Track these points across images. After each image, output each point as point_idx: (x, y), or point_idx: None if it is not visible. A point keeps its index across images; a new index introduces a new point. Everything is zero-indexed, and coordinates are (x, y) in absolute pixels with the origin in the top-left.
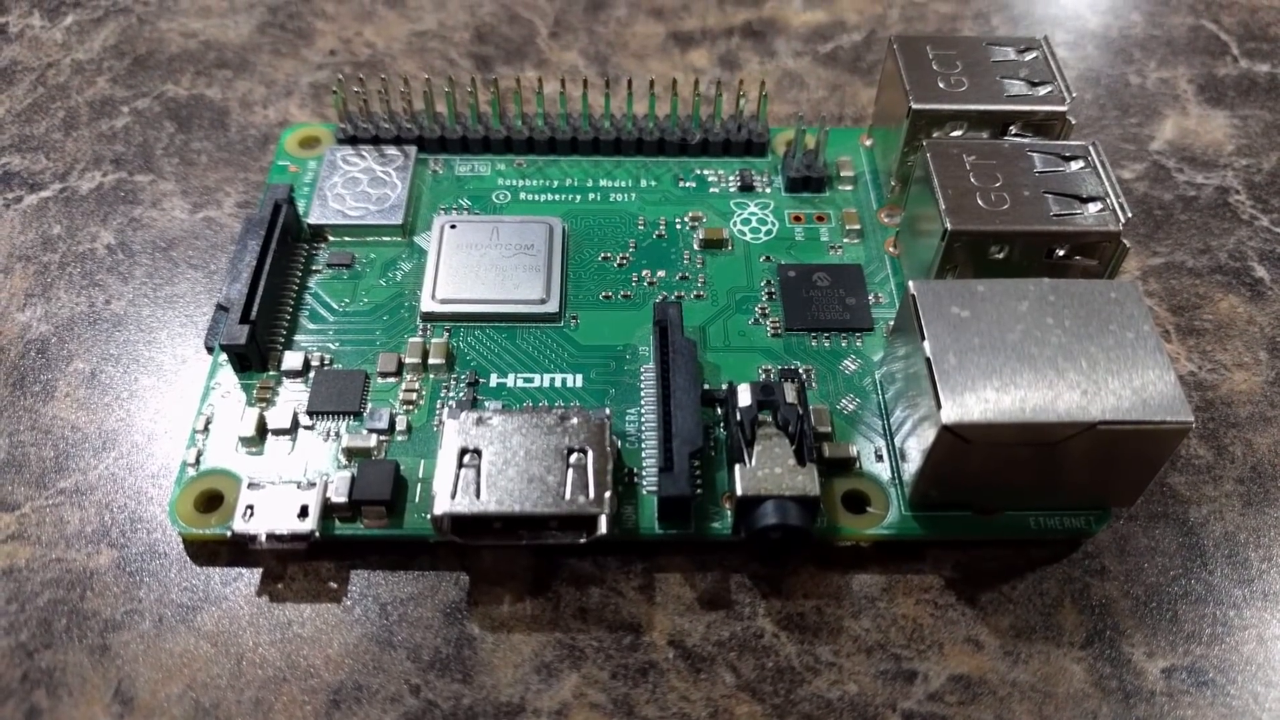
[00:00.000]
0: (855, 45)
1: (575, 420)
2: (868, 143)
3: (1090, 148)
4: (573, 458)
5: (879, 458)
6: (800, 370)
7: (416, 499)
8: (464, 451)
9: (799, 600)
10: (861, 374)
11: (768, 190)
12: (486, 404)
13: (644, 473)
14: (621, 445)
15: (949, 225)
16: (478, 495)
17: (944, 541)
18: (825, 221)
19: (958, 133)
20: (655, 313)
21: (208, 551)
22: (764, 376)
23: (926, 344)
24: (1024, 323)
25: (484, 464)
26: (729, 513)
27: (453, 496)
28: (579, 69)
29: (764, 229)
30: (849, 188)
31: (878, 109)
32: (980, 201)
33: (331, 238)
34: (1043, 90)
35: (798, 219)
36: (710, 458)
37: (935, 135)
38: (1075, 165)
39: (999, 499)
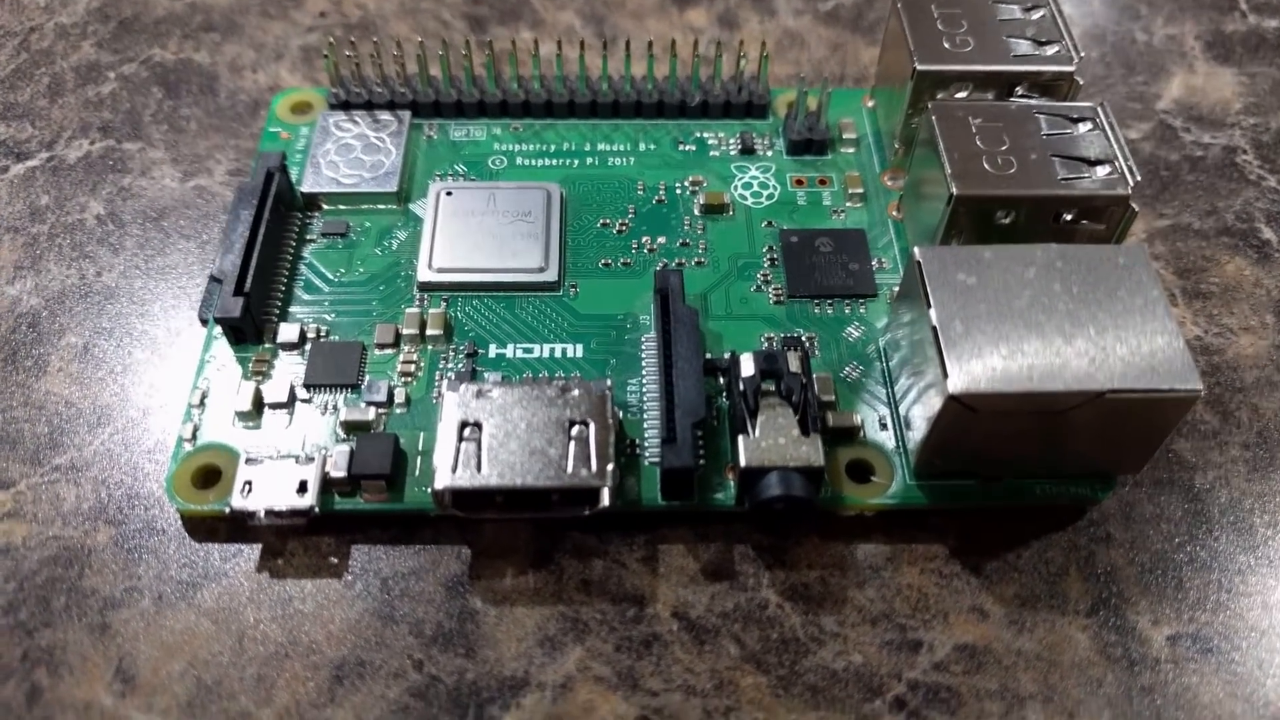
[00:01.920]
0: (857, 3)
1: (576, 392)
2: (870, 104)
3: (1098, 109)
4: (574, 430)
5: (883, 426)
6: (803, 338)
7: (416, 472)
8: (464, 425)
9: (803, 571)
10: (865, 341)
11: (769, 153)
12: (486, 375)
13: (646, 444)
14: (623, 416)
15: (955, 190)
16: (479, 469)
17: (949, 510)
18: (828, 185)
19: (963, 94)
20: (656, 281)
21: (206, 527)
22: (767, 345)
23: (932, 311)
24: (1031, 289)
25: (484, 437)
26: (732, 483)
27: (454, 470)
28: (575, 29)
29: (765, 193)
30: (852, 150)
31: (880, 69)
32: (986, 165)
33: (325, 206)
34: (1050, 50)
35: (799, 182)
36: (713, 428)
37: (940, 96)
38: (1083, 127)
39: (1004, 467)
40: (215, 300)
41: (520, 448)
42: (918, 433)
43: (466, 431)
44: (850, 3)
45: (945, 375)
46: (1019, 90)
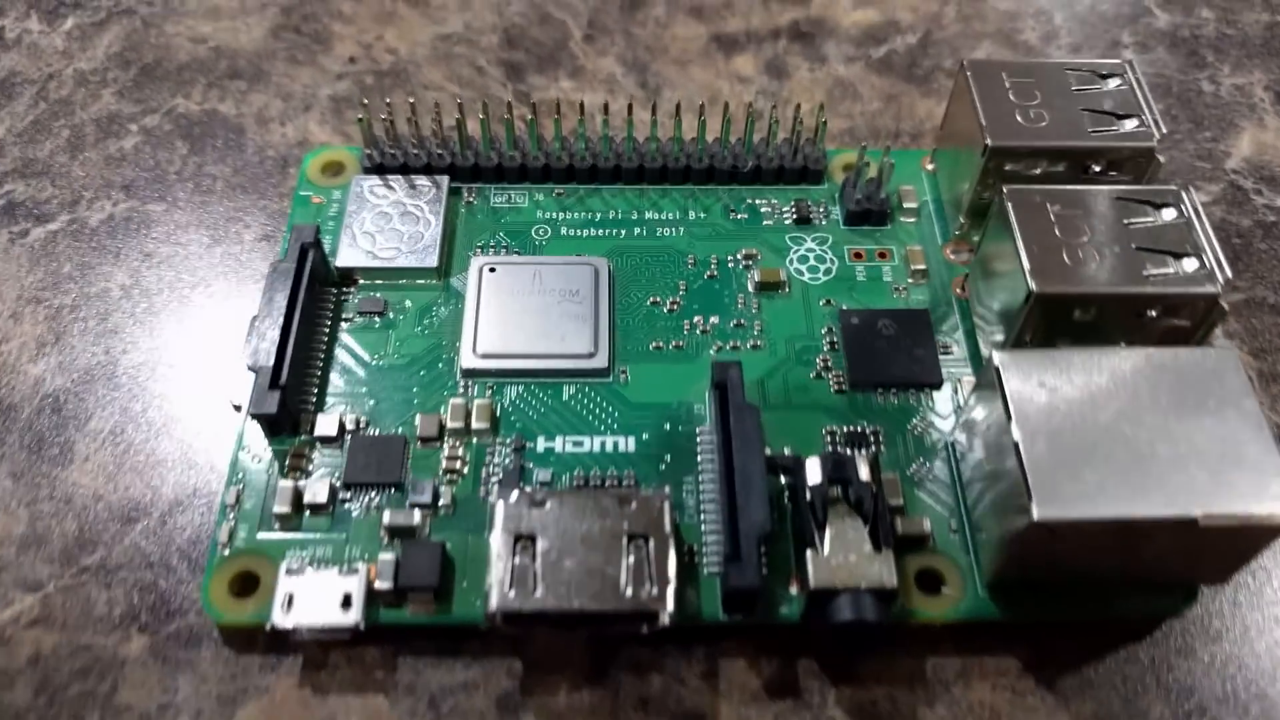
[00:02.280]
0: (910, 49)
1: (634, 505)
2: (930, 166)
3: (1183, 194)
4: (632, 544)
5: (953, 530)
6: (869, 433)
7: (465, 582)
8: (517, 538)
9: (870, 687)
10: (932, 435)
11: (825, 222)
12: (535, 472)
13: (705, 551)
14: (679, 518)
15: (1035, 288)
16: (533, 589)
17: (1022, 622)
18: (888, 259)
19: (1036, 170)
20: (714, 374)
21: (244, 637)
22: (829, 440)
23: (1014, 427)
24: (1116, 399)
25: (539, 553)
26: (795, 594)
27: (507, 590)
28: (616, 77)
29: (822, 267)
30: (912, 220)
31: (944, 132)
32: (1066, 258)
33: (362, 280)
34: (1129, 124)
35: (858, 256)
36: (775, 531)
37: (1009, 168)
38: (1167, 214)
39: (1082, 578)
40: (250, 392)
41: (576, 566)
42: (992, 546)
43: (519, 546)
44: (903, 49)
45: (1030, 499)
46: (1094, 169)
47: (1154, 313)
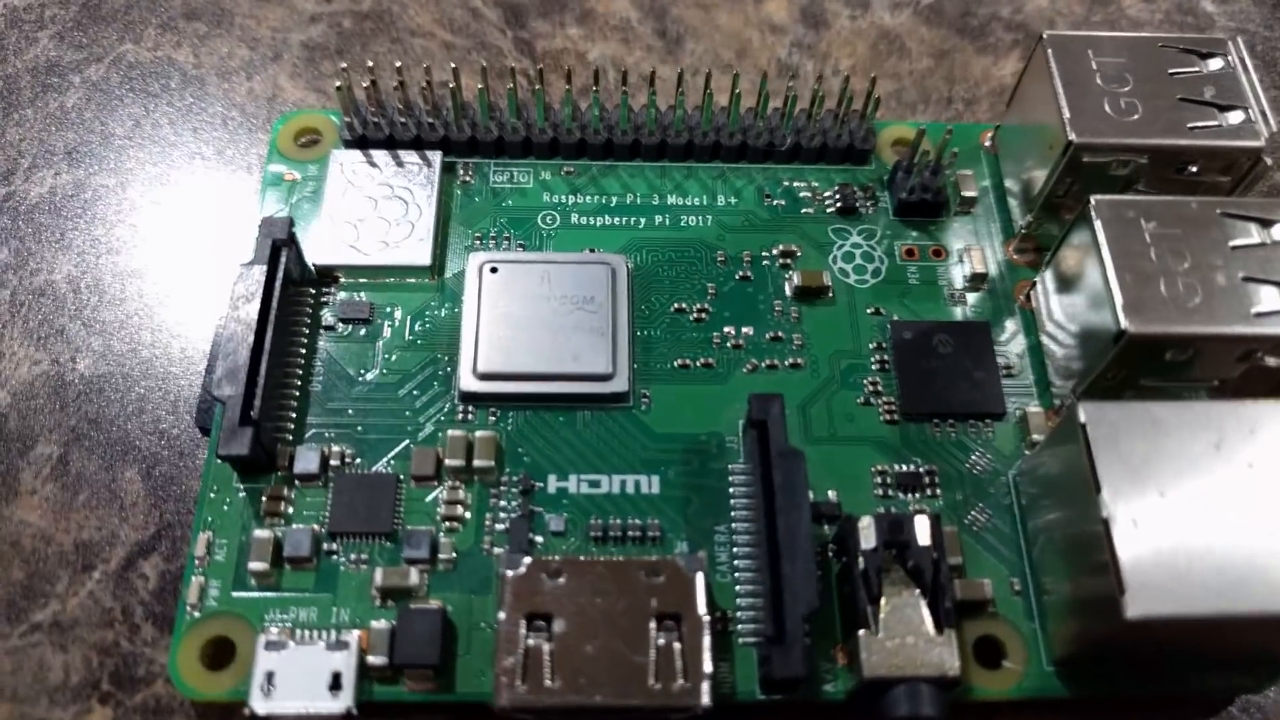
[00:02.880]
0: None
1: (663, 577)
2: (988, 142)
3: None
4: (662, 624)
5: (1015, 590)
6: (923, 473)
7: (469, 652)
8: (530, 617)
9: None
10: (993, 475)
11: (872, 211)
12: (547, 519)
13: (739, 616)
14: (710, 576)
15: (1129, 327)
16: (549, 677)
17: (1091, 697)
18: (943, 258)
19: (1123, 170)
20: (752, 408)
21: (221, 711)
22: (879, 482)
23: (1104, 500)
24: (1214, 466)
25: (554, 635)
26: (841, 667)
27: (518, 682)
28: (630, 24)
29: (870, 267)
30: (970, 212)
31: (1012, 107)
32: (1164, 290)
33: (344, 279)
34: (1233, 118)
35: (910, 254)
36: (820, 588)
37: (1088, 160)
38: (1278, 233)
39: (1159, 657)
40: (215, 420)
41: (597, 651)
42: (1063, 620)
43: (533, 625)
44: None
45: (1121, 592)
46: (1191, 170)
47: (1263, 355)
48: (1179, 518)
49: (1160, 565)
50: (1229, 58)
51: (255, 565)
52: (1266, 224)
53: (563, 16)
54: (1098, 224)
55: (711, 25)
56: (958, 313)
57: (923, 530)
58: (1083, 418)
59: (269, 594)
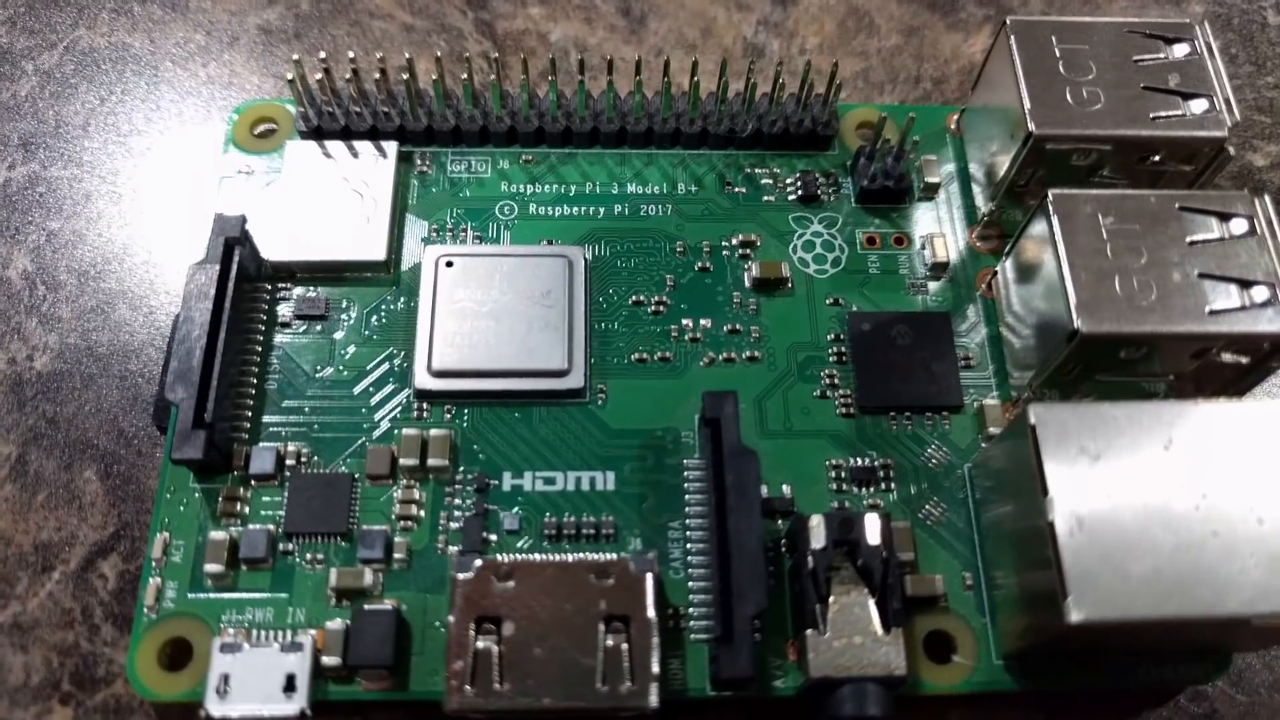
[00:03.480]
0: None
1: (613, 579)
2: (954, 125)
3: (1255, 203)
4: (611, 626)
5: (967, 585)
6: (878, 467)
7: (424, 649)
8: (480, 620)
9: None
10: (948, 468)
11: (834, 199)
12: (501, 517)
13: (691, 614)
14: (663, 571)
15: (1082, 327)
16: (498, 680)
17: (1040, 691)
18: (904, 246)
19: (1085, 160)
20: (705, 406)
21: (179, 710)
22: (834, 477)
23: (1052, 504)
24: (1163, 467)
25: (504, 638)
26: (792, 663)
27: (469, 684)
28: (594, 3)
29: (830, 257)
30: (933, 198)
31: (977, 92)
32: (1119, 288)
33: (299, 275)
34: (1196, 106)
35: (871, 242)
36: (770, 586)
37: (1051, 149)
38: (1237, 227)
39: (1107, 652)
40: (170, 421)
41: (547, 655)
42: (1011, 616)
43: (483, 628)
44: None
45: (1065, 596)
46: (1155, 159)
47: (1217, 352)
48: (1126, 520)
49: (1105, 569)
50: (1196, 42)
51: (211, 568)
52: (1225, 218)
53: None
54: (1054, 219)
55: (676, 3)
56: (918, 302)
57: (873, 529)
58: (1033, 419)
59: (225, 595)
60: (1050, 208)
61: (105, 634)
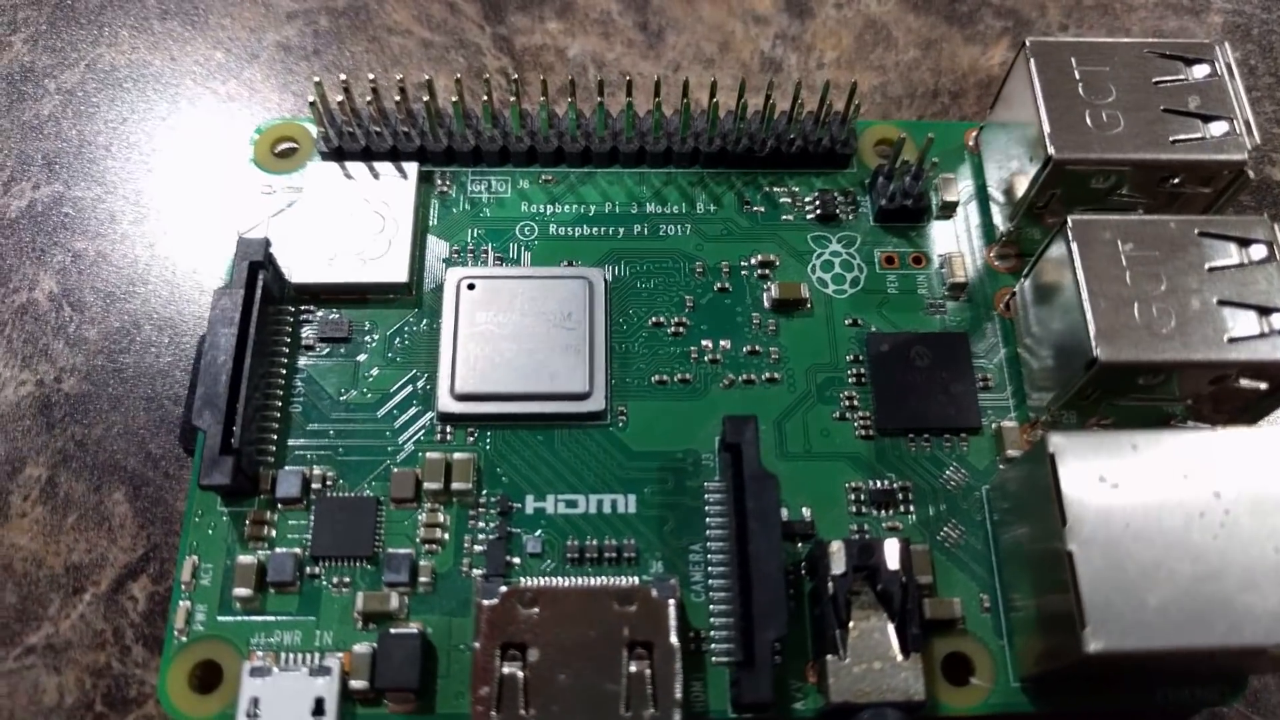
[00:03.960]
0: None
1: (636, 605)
2: (972, 141)
3: (1276, 228)
4: (634, 652)
5: (985, 608)
6: (897, 489)
7: (449, 671)
8: (505, 647)
9: None
10: (967, 490)
11: (852, 218)
12: (524, 540)
13: (713, 636)
14: (685, 595)
15: (1101, 357)
16: (524, 707)
17: (1057, 712)
18: (923, 265)
19: (1105, 183)
20: (726, 431)
21: None
22: (853, 499)
23: (1071, 533)
24: (1181, 496)
25: (529, 664)
26: (811, 685)
27: (494, 710)
28: (611, 16)
29: (849, 276)
30: (951, 216)
31: (996, 110)
32: (1138, 317)
33: (322, 297)
34: (1216, 129)
35: (890, 261)
36: (790, 609)
37: (1067, 168)
38: (1256, 252)
39: (1125, 678)
40: (197, 444)
41: (571, 681)
42: (1028, 635)
43: (508, 654)
44: None
45: (1083, 626)
46: (1174, 182)
47: (1235, 379)
48: (1144, 549)
49: (1123, 598)
50: (1216, 64)
51: (240, 591)
52: (1245, 243)
53: (542, 9)
54: (1074, 246)
55: (694, 17)
56: (937, 322)
57: (892, 554)
58: (1052, 448)
59: (254, 618)
60: (1070, 234)
61: (136, 655)
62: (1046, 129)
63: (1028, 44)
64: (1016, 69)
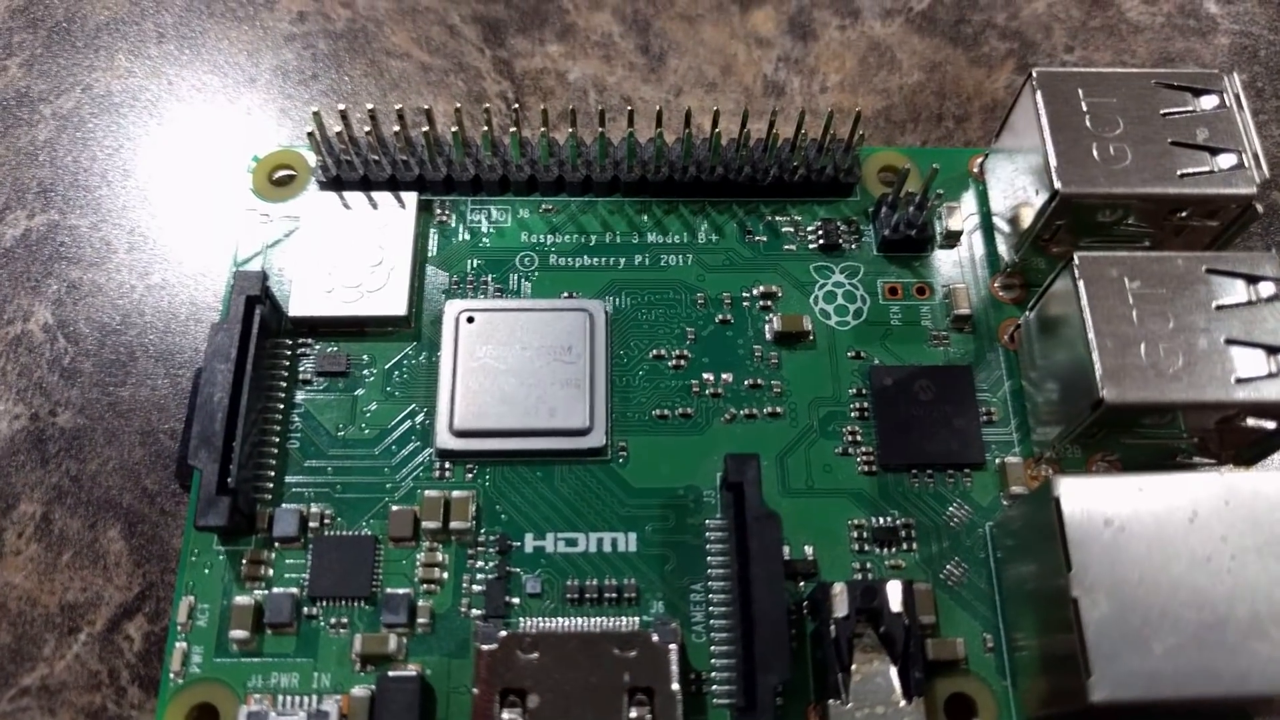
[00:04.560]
0: (958, 1)
1: (636, 651)
2: (977, 168)
3: None
4: (634, 701)
5: (988, 648)
6: (900, 527)
7: (448, 715)
8: (505, 693)
9: None
10: (970, 527)
11: (855, 248)
12: (524, 580)
13: (713, 677)
14: (686, 635)
15: (1107, 398)
16: None
17: None
18: (926, 297)
19: (1111, 217)
20: (728, 469)
21: None
22: (855, 536)
23: (1074, 582)
24: (1188, 540)
25: (528, 710)
26: None
27: None
28: (613, 38)
29: (852, 308)
30: (954, 245)
31: (1002, 136)
32: (1144, 356)
33: (321, 330)
34: (1224, 161)
35: (893, 292)
36: (792, 649)
37: (1074, 202)
38: (1265, 289)
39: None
40: (194, 482)
41: None
42: (1032, 675)
43: (507, 700)
44: (949, 0)
45: (1087, 673)
46: (1180, 215)
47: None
48: (1150, 595)
49: (1128, 647)
50: (1224, 95)
51: (236, 634)
52: (1253, 280)
53: (542, 32)
54: (1080, 284)
55: (696, 40)
56: (940, 354)
57: (895, 597)
58: (1057, 492)
59: (251, 659)
60: (1076, 271)
61: (132, 696)
62: (1053, 162)
63: (1034, 75)
64: (1023, 99)
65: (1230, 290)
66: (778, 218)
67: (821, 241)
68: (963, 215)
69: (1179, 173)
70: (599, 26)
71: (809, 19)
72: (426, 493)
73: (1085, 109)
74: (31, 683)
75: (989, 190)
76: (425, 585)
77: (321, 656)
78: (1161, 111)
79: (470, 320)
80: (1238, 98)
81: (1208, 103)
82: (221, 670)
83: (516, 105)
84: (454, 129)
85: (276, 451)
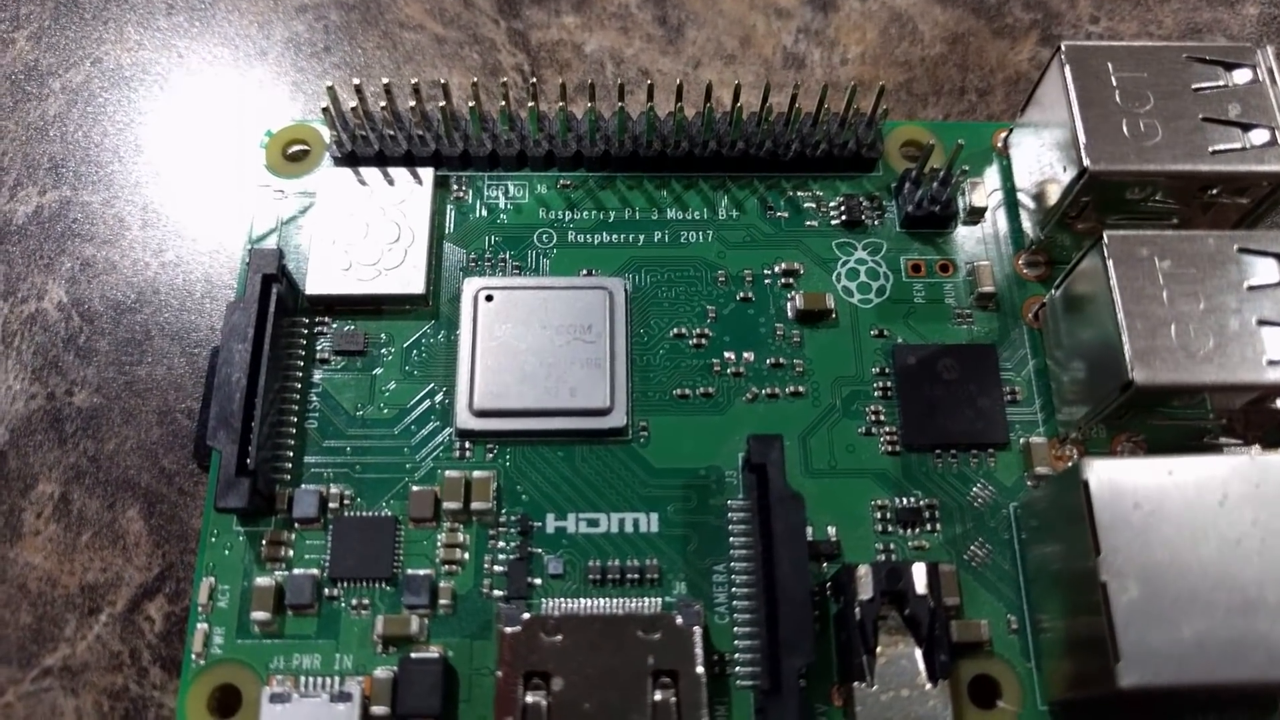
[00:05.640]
0: None
1: (660, 634)
2: (1001, 143)
3: None
4: (659, 681)
5: (1012, 629)
6: (924, 507)
7: (471, 696)
8: (529, 675)
9: None
10: (994, 507)
11: (878, 224)
12: (546, 561)
13: (737, 659)
14: (708, 617)
15: (1137, 379)
16: None
17: None
18: (950, 274)
19: (1140, 195)
20: (751, 451)
21: None
22: (879, 517)
23: (1102, 565)
24: (1218, 523)
25: (552, 693)
26: (837, 709)
27: None
28: (629, 9)
29: (875, 285)
30: (979, 222)
31: (1028, 110)
32: (1175, 338)
33: (338, 308)
34: (1256, 137)
35: (916, 269)
36: (815, 631)
37: (1105, 178)
38: None
39: (1156, 706)
40: (213, 462)
41: (596, 710)
42: (1057, 657)
43: (531, 683)
44: None
45: (1116, 660)
46: (1211, 193)
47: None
48: (1180, 579)
49: (1158, 631)
50: (1257, 69)
51: (258, 615)
52: None
53: (558, 3)
54: (1110, 263)
55: (715, 10)
56: (964, 332)
57: (920, 578)
58: (1086, 475)
59: (273, 641)
60: (1106, 250)
61: (154, 677)
62: (1082, 139)
63: (1063, 48)
64: (1050, 73)
65: (1262, 270)
66: (799, 193)
67: (844, 218)
68: (986, 191)
69: (1210, 149)
70: None
71: None
72: (447, 473)
73: (1114, 84)
74: (54, 663)
75: (1013, 166)
76: (446, 566)
77: (343, 638)
78: (1193, 86)
79: (489, 298)
80: (1271, 72)
81: (1240, 77)
82: (243, 651)
83: (534, 79)
84: (470, 103)
85: (295, 432)
